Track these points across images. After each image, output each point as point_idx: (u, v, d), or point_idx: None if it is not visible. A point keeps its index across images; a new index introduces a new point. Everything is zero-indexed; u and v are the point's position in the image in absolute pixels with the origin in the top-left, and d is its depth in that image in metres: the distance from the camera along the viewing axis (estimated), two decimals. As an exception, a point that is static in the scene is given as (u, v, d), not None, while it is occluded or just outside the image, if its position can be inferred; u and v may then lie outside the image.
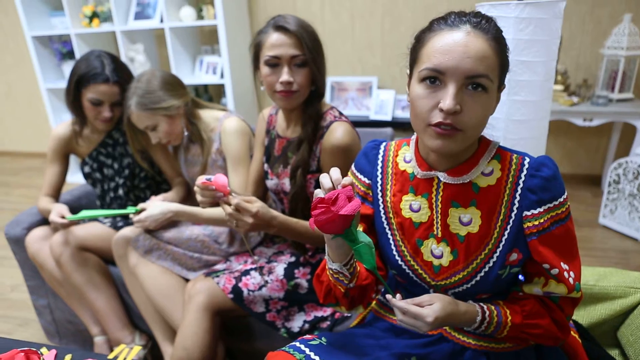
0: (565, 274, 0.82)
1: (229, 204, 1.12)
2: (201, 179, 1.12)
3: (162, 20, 3.21)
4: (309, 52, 1.18)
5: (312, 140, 1.27)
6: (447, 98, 0.75)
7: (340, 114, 1.30)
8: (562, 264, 0.82)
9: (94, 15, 3.31)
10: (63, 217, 1.55)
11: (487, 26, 0.77)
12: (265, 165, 1.42)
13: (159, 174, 1.81)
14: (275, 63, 1.20)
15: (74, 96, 1.60)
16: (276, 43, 1.18)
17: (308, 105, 1.27)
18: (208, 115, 1.59)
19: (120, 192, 1.74)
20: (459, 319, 0.83)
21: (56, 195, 1.77)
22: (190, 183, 1.74)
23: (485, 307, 0.85)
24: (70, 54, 3.49)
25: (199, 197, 1.15)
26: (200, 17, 3.21)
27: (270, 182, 1.40)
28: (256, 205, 1.12)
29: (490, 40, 0.76)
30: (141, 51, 3.31)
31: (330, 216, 0.74)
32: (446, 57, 0.75)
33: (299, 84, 1.21)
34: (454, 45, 0.75)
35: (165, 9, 3.09)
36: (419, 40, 0.81)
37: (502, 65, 0.80)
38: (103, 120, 1.62)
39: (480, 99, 0.76)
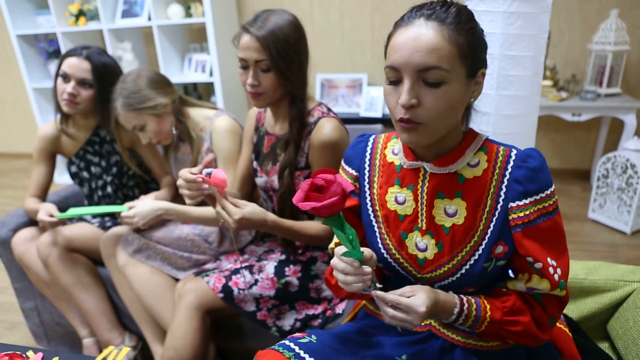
0: (551, 269, 0.81)
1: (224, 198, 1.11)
2: (197, 173, 1.11)
3: (149, 18, 3.18)
4: (272, 58, 1.16)
5: (298, 141, 1.26)
6: (403, 93, 0.76)
7: (329, 109, 1.29)
8: (548, 259, 0.81)
9: (81, 13, 3.26)
10: (52, 216, 1.52)
11: (443, 14, 0.75)
12: (255, 163, 1.41)
13: (147, 172, 1.79)
14: (244, 65, 1.21)
15: (55, 78, 1.58)
16: (243, 45, 1.18)
17: (291, 106, 1.27)
18: (198, 113, 1.58)
19: (109, 189, 1.72)
20: (439, 309, 0.82)
21: (43, 196, 1.74)
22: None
23: (464, 299, 0.84)
24: (56, 53, 3.44)
25: (185, 192, 1.13)
26: (188, 14, 3.18)
27: (260, 180, 1.38)
28: (241, 211, 1.10)
29: (445, 29, 0.74)
30: (129, 50, 3.27)
31: (338, 198, 0.76)
32: (398, 53, 0.76)
33: (264, 87, 1.21)
34: (406, 41, 0.75)
35: (152, 6, 3.06)
36: (388, 39, 0.82)
37: (464, 51, 0.76)
38: (66, 99, 1.55)
39: (438, 91, 0.76)
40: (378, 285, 0.87)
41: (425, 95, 0.76)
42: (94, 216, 1.67)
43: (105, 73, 1.57)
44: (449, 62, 0.75)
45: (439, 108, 0.76)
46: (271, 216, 1.17)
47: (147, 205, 1.42)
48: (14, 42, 3.37)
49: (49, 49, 3.42)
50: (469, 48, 0.77)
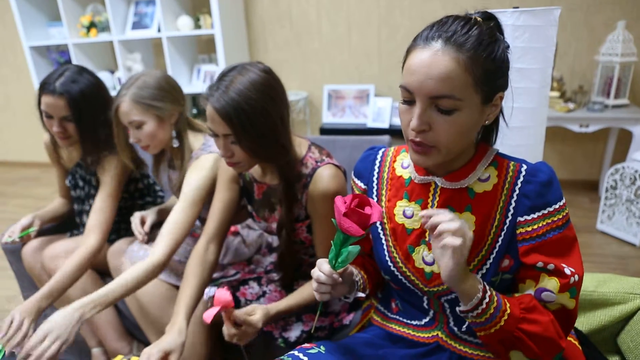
0: (566, 270, 0.78)
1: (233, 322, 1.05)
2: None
3: (159, 30, 3.23)
4: (236, 134, 1.05)
5: (289, 203, 1.19)
6: (414, 117, 0.76)
7: (320, 151, 1.21)
8: (563, 264, 0.79)
9: (92, 25, 3.32)
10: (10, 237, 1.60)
11: (462, 38, 0.73)
12: (250, 207, 1.35)
13: (125, 208, 1.71)
14: (214, 134, 1.10)
15: (38, 105, 1.48)
16: (208, 116, 1.06)
17: (275, 169, 1.19)
18: (194, 142, 1.49)
19: (85, 219, 1.65)
20: (465, 280, 0.76)
21: (68, 196, 1.78)
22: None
23: (487, 286, 0.78)
24: (67, 64, 3.48)
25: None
26: (197, 26, 3.22)
27: (259, 225, 1.35)
28: (257, 317, 1.05)
29: (462, 55, 0.73)
30: (139, 60, 3.32)
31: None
32: (412, 77, 0.75)
33: (238, 158, 1.11)
34: (420, 65, 0.74)
35: (162, 18, 3.11)
36: (406, 53, 0.81)
37: (480, 79, 0.74)
38: (55, 135, 1.49)
39: (450, 118, 0.75)
40: (361, 294, 0.90)
41: (436, 120, 0.76)
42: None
43: (83, 102, 1.46)
44: (462, 91, 0.74)
45: (450, 134, 0.76)
46: (275, 311, 1.12)
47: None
48: (26, 53, 3.43)
49: (60, 59, 3.48)
50: (486, 76, 0.75)
